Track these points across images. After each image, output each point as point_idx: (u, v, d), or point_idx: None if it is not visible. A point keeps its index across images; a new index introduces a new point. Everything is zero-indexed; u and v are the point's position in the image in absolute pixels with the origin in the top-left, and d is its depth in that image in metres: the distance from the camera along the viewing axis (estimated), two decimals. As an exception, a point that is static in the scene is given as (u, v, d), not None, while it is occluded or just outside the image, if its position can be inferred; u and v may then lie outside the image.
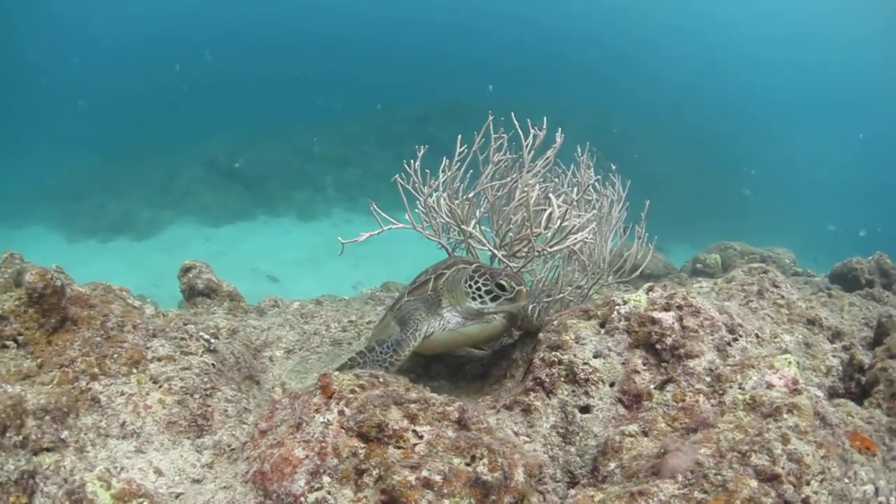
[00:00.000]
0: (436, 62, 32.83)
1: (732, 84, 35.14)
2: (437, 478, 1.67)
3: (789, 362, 2.40)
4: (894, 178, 28.17)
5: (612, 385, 2.52)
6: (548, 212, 3.33)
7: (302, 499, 1.73)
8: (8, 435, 2.02)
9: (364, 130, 23.82)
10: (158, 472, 2.17)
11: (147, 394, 2.44)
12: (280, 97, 27.29)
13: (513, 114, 3.63)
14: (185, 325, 3.00)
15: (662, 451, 1.85)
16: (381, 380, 2.05)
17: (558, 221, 3.32)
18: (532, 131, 3.58)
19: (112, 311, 2.69)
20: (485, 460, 1.74)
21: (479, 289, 2.91)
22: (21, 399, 2.12)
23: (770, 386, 2.30)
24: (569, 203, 3.46)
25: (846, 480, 1.92)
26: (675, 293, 2.75)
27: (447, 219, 3.72)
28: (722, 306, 2.94)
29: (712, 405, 2.24)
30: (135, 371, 2.51)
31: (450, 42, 35.63)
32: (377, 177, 17.93)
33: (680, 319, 2.64)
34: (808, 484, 1.76)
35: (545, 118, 3.63)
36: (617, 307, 2.78)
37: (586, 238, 3.44)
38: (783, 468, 1.75)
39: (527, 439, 2.42)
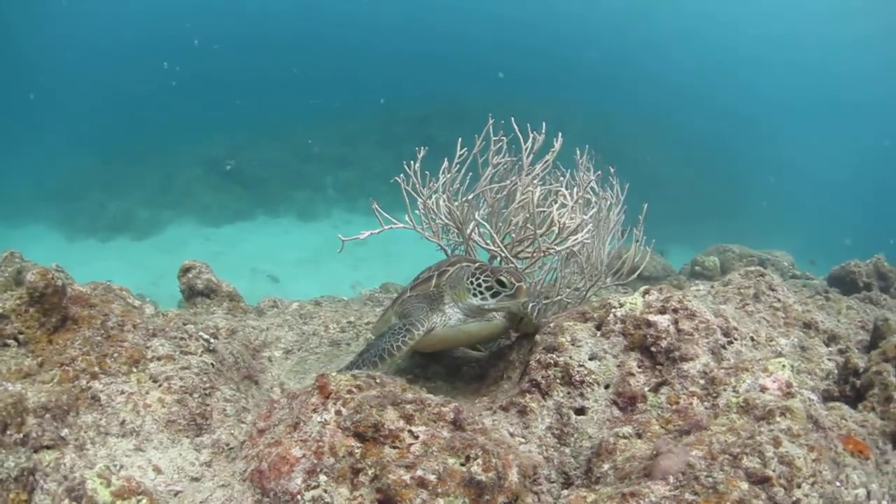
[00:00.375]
0: (436, 63, 32.87)
1: (734, 85, 35.20)
2: (432, 477, 1.70)
3: (783, 365, 2.42)
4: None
5: (607, 387, 2.54)
6: (551, 213, 3.36)
7: (299, 497, 1.76)
8: (9, 432, 2.04)
9: (364, 131, 23.87)
10: (157, 470, 2.19)
11: (147, 393, 2.47)
12: (280, 97, 27.32)
13: (513, 119, 3.67)
14: (185, 324, 3.03)
15: (655, 452, 1.87)
16: (377, 380, 2.08)
17: (561, 221, 3.36)
18: (532, 135, 3.62)
19: (112, 311, 2.72)
20: (479, 460, 1.76)
21: (479, 285, 2.95)
22: (22, 397, 2.14)
23: (764, 389, 2.31)
24: (568, 203, 3.48)
25: (838, 484, 1.93)
26: (670, 296, 2.78)
27: (446, 220, 3.75)
28: (718, 309, 2.97)
29: (706, 408, 2.26)
30: (135, 370, 2.53)
31: (450, 43, 35.68)
32: (377, 177, 17.97)
33: (675, 322, 2.65)
34: (798, 487, 1.78)
35: (544, 123, 3.66)
36: (613, 310, 2.80)
37: (585, 240, 3.47)
38: (774, 471, 1.77)
39: (522, 440, 2.44)
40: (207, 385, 2.64)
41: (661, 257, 10.04)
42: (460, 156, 3.80)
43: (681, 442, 1.94)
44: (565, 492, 2.08)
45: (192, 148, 22.32)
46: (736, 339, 2.76)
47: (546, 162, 3.66)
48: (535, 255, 3.58)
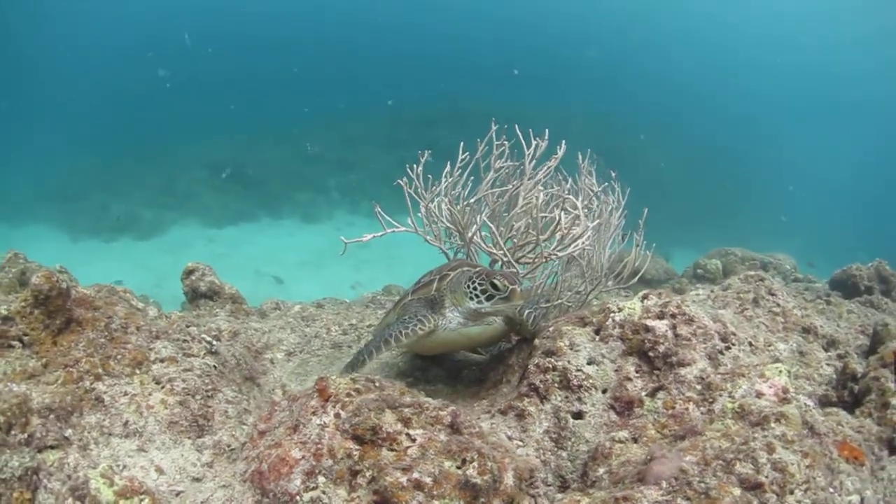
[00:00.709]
0: (440, 65, 32.92)
1: (736, 87, 35.15)
2: (428, 480, 1.73)
3: (780, 371, 2.43)
4: None
5: (604, 391, 2.56)
6: (555, 219, 3.38)
7: (298, 498, 1.79)
8: (13, 432, 2.08)
9: (368, 133, 23.94)
10: (160, 471, 2.22)
11: (149, 394, 2.50)
12: (284, 100, 27.41)
13: (516, 126, 3.70)
14: (188, 327, 3.06)
15: (649, 457, 1.89)
16: (376, 384, 2.11)
17: (567, 227, 3.39)
18: (535, 141, 3.64)
19: (116, 313, 2.75)
20: (475, 464, 1.79)
21: (475, 288, 3.00)
22: (26, 398, 2.18)
23: (760, 395, 2.33)
24: (572, 210, 3.51)
25: (831, 490, 1.93)
26: (669, 301, 2.80)
27: (448, 224, 3.78)
28: (716, 314, 2.98)
29: (702, 413, 2.28)
30: (138, 372, 2.57)
31: (455, 46, 35.73)
32: (380, 180, 18.01)
33: (673, 328, 2.67)
34: (791, 493, 1.79)
35: (547, 130, 3.69)
36: (612, 314, 2.82)
37: (586, 246, 3.50)
38: (767, 477, 1.78)
39: (520, 444, 2.46)
40: (209, 387, 2.68)
41: (664, 261, 10.04)
42: (462, 160, 3.83)
43: (675, 447, 1.96)
44: (559, 495, 2.11)
45: (195, 149, 22.43)
46: (734, 345, 2.78)
47: (548, 168, 3.69)
48: (536, 260, 3.61)
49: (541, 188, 3.68)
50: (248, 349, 3.73)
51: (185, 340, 2.88)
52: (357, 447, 1.85)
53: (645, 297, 2.87)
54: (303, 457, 1.87)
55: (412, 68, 31.99)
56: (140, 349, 2.65)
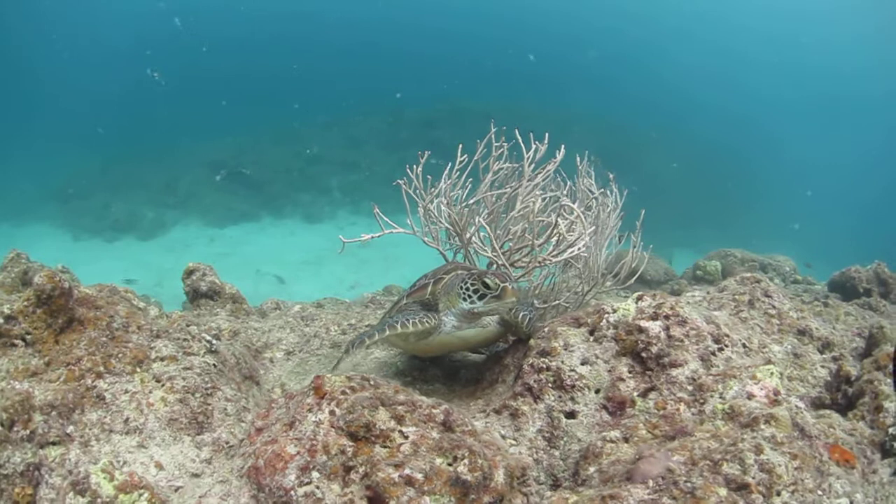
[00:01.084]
0: (443, 65, 32.95)
1: (737, 87, 35.10)
2: (419, 476, 1.77)
3: (772, 373, 2.46)
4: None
5: (597, 392, 2.59)
6: (552, 224, 3.41)
7: (292, 492, 1.83)
8: (16, 429, 2.12)
9: (370, 134, 23.97)
10: (159, 467, 2.27)
11: (150, 392, 2.54)
12: (286, 100, 27.46)
13: (516, 129, 3.72)
14: (188, 326, 3.10)
15: (637, 457, 1.92)
16: (371, 382, 2.15)
17: (564, 233, 3.42)
18: (534, 145, 3.67)
19: (117, 312, 2.79)
20: (466, 461, 1.82)
21: (467, 289, 3.03)
22: (29, 395, 2.22)
23: (751, 396, 2.35)
24: (569, 215, 3.54)
25: (820, 492, 1.93)
26: (663, 303, 2.82)
27: (446, 225, 3.81)
28: (710, 316, 3.01)
29: (692, 414, 2.31)
30: (138, 370, 2.61)
31: (457, 47, 35.78)
32: (382, 180, 18.03)
33: (667, 329, 2.70)
34: (778, 494, 1.80)
35: (546, 134, 3.71)
36: (606, 315, 2.85)
37: (582, 252, 3.53)
38: (753, 478, 1.80)
39: (513, 442, 2.50)
40: (209, 385, 2.71)
41: (664, 262, 10.06)
42: (461, 161, 3.86)
43: (664, 447, 1.99)
44: (548, 493, 2.14)
45: (198, 149, 22.47)
46: (727, 346, 2.80)
47: (547, 171, 3.72)
48: (530, 264, 3.64)
49: (539, 191, 3.71)
50: (248, 348, 3.77)
51: (185, 339, 2.92)
52: (351, 443, 1.90)
53: (639, 299, 2.90)
54: (298, 453, 1.91)
55: (415, 68, 32.02)
56: (141, 348, 2.69)
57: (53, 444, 2.21)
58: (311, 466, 1.86)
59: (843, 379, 3.29)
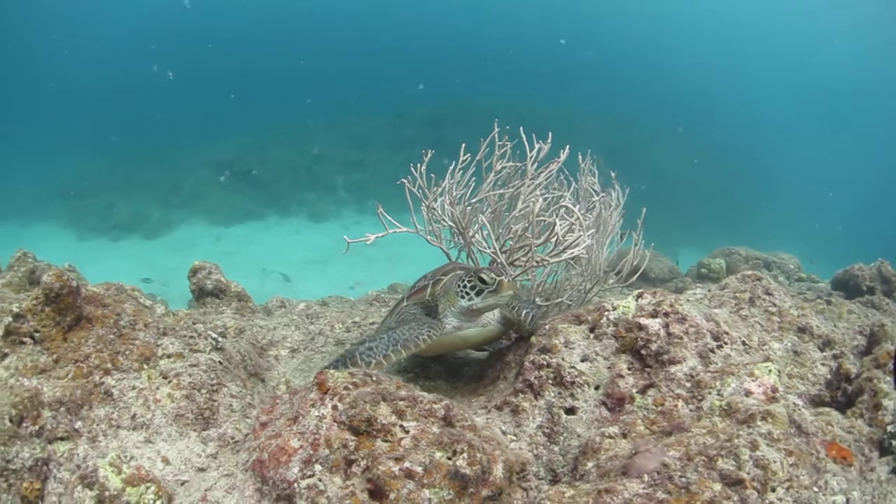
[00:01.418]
0: (449, 64, 32.95)
1: (743, 87, 34.95)
2: (419, 469, 1.81)
3: (770, 370, 2.48)
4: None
5: (597, 388, 2.62)
6: (552, 224, 3.44)
7: (295, 485, 1.87)
8: (25, 425, 2.17)
9: (375, 133, 24.02)
10: (166, 461, 2.32)
11: (157, 388, 2.59)
12: (293, 99, 27.53)
13: (521, 128, 3.74)
14: (194, 324, 3.15)
15: (634, 452, 1.95)
16: (373, 378, 2.19)
17: (564, 235, 3.44)
18: (538, 144, 3.70)
19: (124, 310, 2.84)
20: (465, 455, 1.86)
21: (464, 286, 3.05)
22: (38, 391, 2.27)
23: (748, 393, 2.37)
24: (572, 219, 3.56)
25: (815, 489, 1.93)
26: (662, 300, 2.85)
27: (449, 224, 3.84)
28: (709, 314, 3.03)
29: (690, 410, 2.33)
30: (145, 367, 2.66)
31: (462, 45, 35.78)
32: (387, 179, 18.05)
33: (666, 326, 2.72)
34: (773, 490, 1.82)
35: (550, 134, 3.73)
36: (607, 313, 2.88)
37: (582, 253, 3.55)
38: (748, 473, 1.82)
39: (514, 438, 2.53)
40: (215, 381, 2.76)
41: (668, 259, 10.05)
42: (464, 161, 3.88)
43: (661, 442, 2.01)
44: (547, 487, 2.17)
45: (204, 148, 22.58)
46: (726, 344, 2.82)
47: (550, 171, 3.74)
48: (528, 264, 3.66)
49: (542, 191, 3.74)
50: (254, 346, 3.81)
51: (191, 337, 2.97)
52: (353, 438, 1.94)
53: (640, 296, 2.92)
54: (301, 446, 1.95)
55: (421, 67, 32.03)
56: (148, 345, 2.74)
57: (62, 439, 2.26)
58: (314, 460, 1.90)
59: (843, 377, 3.29)
